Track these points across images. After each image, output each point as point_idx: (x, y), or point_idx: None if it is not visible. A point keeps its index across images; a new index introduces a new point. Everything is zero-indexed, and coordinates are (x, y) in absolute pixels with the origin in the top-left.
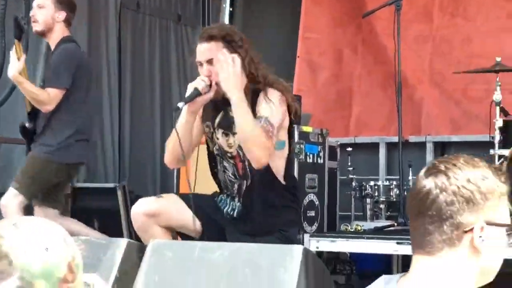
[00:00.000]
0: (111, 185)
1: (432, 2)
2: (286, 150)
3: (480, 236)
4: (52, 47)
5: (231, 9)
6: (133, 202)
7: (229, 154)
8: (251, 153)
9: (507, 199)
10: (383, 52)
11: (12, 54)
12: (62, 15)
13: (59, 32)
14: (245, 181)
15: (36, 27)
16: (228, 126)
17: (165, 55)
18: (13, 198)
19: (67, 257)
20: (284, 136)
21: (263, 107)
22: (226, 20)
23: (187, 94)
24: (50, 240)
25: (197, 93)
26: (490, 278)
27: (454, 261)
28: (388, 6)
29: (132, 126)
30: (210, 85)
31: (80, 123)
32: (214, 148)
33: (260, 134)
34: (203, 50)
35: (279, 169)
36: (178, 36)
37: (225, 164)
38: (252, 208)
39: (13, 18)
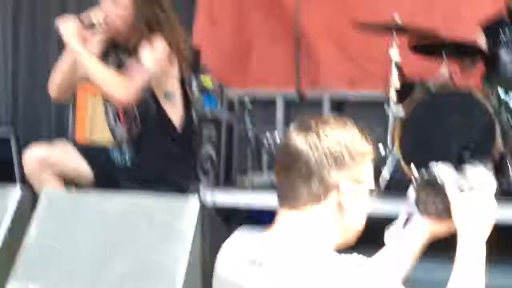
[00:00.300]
0: (4, 134)
1: None
2: (178, 101)
3: (345, 194)
4: None
5: None
6: None
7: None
8: (107, 93)
9: (371, 160)
10: (283, 7)
11: None
12: None
13: None
14: (133, 125)
15: None
16: (115, 70)
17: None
18: None
19: None
20: (173, 87)
21: (142, 51)
22: None
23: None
24: None
25: (88, 23)
26: (352, 236)
27: (319, 217)
28: None
29: (27, 72)
30: (101, 24)
31: None
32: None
33: (110, 75)
34: None
35: (172, 118)
36: None
37: (109, 108)
38: (144, 154)
39: None
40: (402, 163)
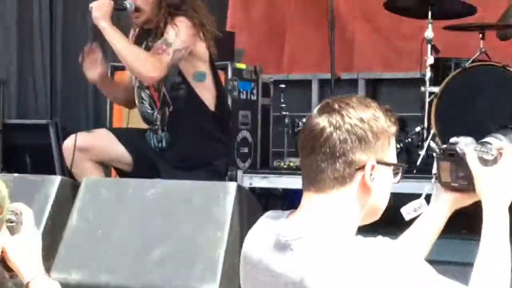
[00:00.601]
0: (43, 121)
1: None
2: (209, 82)
3: (371, 175)
4: None
5: None
6: (65, 138)
7: (145, 84)
8: (133, 70)
9: (395, 139)
10: None
11: None
12: None
13: None
14: (166, 108)
15: None
16: None
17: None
18: None
19: None
20: (203, 67)
21: (167, 31)
22: None
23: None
24: None
25: (124, 7)
26: (376, 216)
27: (344, 199)
28: None
29: (64, 61)
30: (135, 12)
31: None
32: (138, 80)
33: (137, 52)
34: None
35: (204, 98)
36: None
37: (143, 95)
38: (180, 134)
39: None
40: (438, 139)
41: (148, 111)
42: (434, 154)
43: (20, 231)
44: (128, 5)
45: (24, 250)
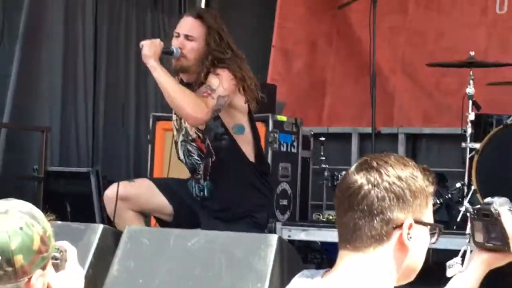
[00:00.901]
0: (84, 169)
1: None
2: (248, 135)
3: (408, 233)
4: None
5: None
6: (106, 187)
7: (190, 138)
8: (179, 109)
9: (432, 199)
10: (357, 43)
11: None
12: None
13: None
14: (209, 159)
15: None
16: None
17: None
18: None
19: (39, 232)
20: (242, 119)
21: (210, 80)
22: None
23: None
24: (22, 219)
25: (171, 51)
26: (412, 276)
27: (381, 258)
28: None
29: (106, 110)
30: (179, 56)
31: None
32: (181, 135)
33: (184, 92)
34: (187, 24)
35: (245, 150)
36: (154, 23)
37: (189, 147)
38: (222, 183)
39: None
40: (479, 196)
41: (198, 162)
42: (468, 214)
43: (65, 268)
44: (174, 50)
45: (68, 287)
